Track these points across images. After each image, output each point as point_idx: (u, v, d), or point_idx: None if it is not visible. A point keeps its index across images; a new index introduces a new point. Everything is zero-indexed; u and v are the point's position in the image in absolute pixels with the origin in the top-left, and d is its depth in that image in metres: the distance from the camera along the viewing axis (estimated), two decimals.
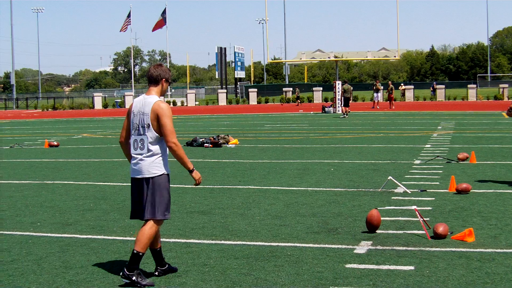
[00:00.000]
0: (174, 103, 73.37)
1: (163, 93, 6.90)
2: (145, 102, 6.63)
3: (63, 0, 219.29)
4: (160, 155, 6.61)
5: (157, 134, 6.56)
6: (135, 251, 6.49)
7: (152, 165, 6.58)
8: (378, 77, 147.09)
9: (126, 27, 77.22)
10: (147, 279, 6.58)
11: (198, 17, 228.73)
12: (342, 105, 41.31)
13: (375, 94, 53.20)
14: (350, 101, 42.60)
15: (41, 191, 12.79)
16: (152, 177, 6.58)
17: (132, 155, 6.68)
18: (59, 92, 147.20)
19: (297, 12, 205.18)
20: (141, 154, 6.60)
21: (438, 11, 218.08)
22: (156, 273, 6.85)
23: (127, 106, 71.40)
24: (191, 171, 6.73)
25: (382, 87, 61.03)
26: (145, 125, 6.55)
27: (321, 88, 74.49)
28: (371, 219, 8.44)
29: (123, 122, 6.85)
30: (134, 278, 6.46)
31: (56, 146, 23.32)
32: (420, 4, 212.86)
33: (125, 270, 6.48)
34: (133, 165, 6.67)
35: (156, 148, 6.58)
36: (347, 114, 39.55)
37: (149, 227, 6.57)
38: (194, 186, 8.01)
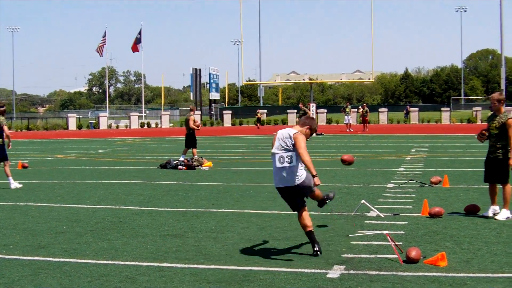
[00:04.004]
0: (149, 125, 73.19)
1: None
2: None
3: (39, 19, 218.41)
4: None
5: None
6: None
7: None
8: (353, 99, 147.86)
9: (102, 49, 77.09)
10: None
11: (173, 38, 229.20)
12: None
13: (345, 117, 53.43)
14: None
15: (14, 213, 12.69)
16: None
17: None
18: (34, 112, 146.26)
19: (272, 34, 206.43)
20: None
21: (412, 34, 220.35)
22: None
23: (102, 127, 71.28)
24: None
25: (354, 110, 61.29)
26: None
27: (295, 111, 74.63)
28: (344, 158, 9.43)
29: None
30: None
31: (26, 167, 23.18)
32: (395, 27, 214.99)
33: None
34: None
35: None
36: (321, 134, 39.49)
37: None
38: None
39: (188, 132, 23.89)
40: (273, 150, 8.83)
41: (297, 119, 50.12)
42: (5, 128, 17.55)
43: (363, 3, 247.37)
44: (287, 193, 8.76)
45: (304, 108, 42.32)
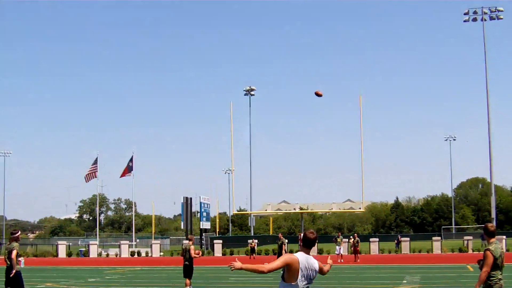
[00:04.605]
0: (139, 254, 72.62)
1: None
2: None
3: (30, 144, 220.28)
4: None
5: None
6: None
7: None
8: (344, 229, 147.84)
9: (92, 176, 77.52)
10: None
11: (164, 167, 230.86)
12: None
13: (337, 247, 53.34)
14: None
15: None
16: None
17: None
18: (23, 238, 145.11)
19: (263, 163, 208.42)
20: None
21: (402, 164, 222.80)
22: None
23: (92, 255, 70.63)
24: None
25: (345, 240, 61.22)
26: None
27: (286, 240, 74.30)
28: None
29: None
30: None
31: None
32: (384, 156, 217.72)
33: None
34: None
35: None
36: None
37: None
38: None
39: (187, 261, 23.98)
40: (298, 282, 9.01)
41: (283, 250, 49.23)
42: (14, 253, 17.75)
43: (353, 135, 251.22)
44: None
45: (282, 239, 42.35)
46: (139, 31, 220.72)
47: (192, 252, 23.79)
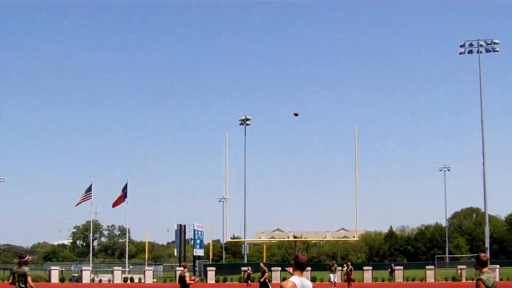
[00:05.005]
0: (132, 280, 72.40)
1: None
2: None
3: (24, 170, 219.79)
4: None
5: None
6: None
7: None
8: (337, 257, 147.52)
9: (83, 200, 77.51)
10: None
11: (158, 194, 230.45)
12: None
13: (331, 275, 53.31)
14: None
15: None
16: None
17: None
18: (16, 263, 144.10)
19: (257, 191, 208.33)
20: None
21: (396, 193, 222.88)
22: None
23: (84, 281, 70.39)
24: None
25: (339, 268, 61.21)
26: None
27: (279, 268, 74.29)
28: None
29: None
30: None
31: None
32: (379, 185, 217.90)
33: None
34: None
35: None
36: None
37: None
38: None
39: None
40: None
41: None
42: (29, 279, 17.77)
43: (348, 164, 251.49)
44: None
45: (264, 268, 42.22)
46: (133, 60, 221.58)
47: (187, 279, 23.90)
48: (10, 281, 18.53)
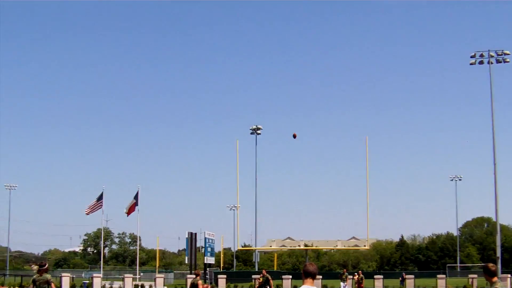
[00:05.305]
0: (142, 287, 72.54)
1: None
2: None
3: (35, 177, 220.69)
4: None
5: None
6: None
7: None
8: (348, 266, 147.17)
9: (94, 209, 77.72)
10: None
11: (170, 202, 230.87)
12: None
13: (342, 284, 53.32)
14: None
15: None
16: None
17: None
18: (27, 270, 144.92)
19: (268, 199, 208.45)
20: None
21: (407, 202, 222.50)
22: None
23: (95, 287, 70.55)
24: None
25: (350, 277, 61.19)
26: None
27: (290, 276, 74.27)
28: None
29: None
30: None
31: None
32: (390, 195, 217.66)
33: None
34: None
35: None
36: None
37: None
38: None
39: None
40: None
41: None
42: (53, 285, 18.11)
43: (359, 173, 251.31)
44: None
45: (267, 275, 42.21)
46: (146, 69, 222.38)
47: (200, 286, 24.08)
48: None
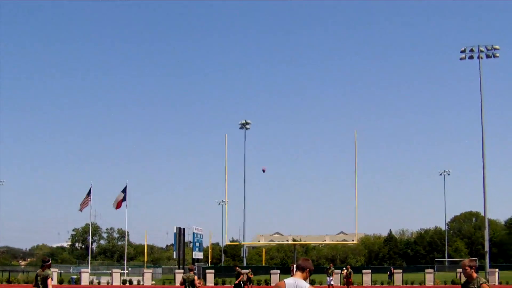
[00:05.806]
0: (130, 282, 72.33)
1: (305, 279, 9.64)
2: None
3: (22, 172, 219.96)
4: None
5: None
6: None
7: None
8: (336, 260, 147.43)
9: (85, 205, 77.49)
10: None
11: (158, 197, 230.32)
12: None
13: (328, 278, 53.29)
14: None
15: None
16: None
17: None
18: (15, 265, 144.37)
19: (257, 195, 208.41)
20: None
21: (395, 197, 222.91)
22: None
23: (83, 283, 70.27)
24: None
25: (337, 271, 61.12)
26: None
27: (278, 271, 74.26)
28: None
29: None
30: None
31: None
32: (378, 189, 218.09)
33: None
34: None
35: None
36: None
37: None
38: None
39: None
40: None
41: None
42: (49, 281, 18.41)
43: (347, 168, 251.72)
44: None
45: (241, 271, 41.99)
46: (133, 62, 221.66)
47: (196, 281, 24.16)
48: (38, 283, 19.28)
